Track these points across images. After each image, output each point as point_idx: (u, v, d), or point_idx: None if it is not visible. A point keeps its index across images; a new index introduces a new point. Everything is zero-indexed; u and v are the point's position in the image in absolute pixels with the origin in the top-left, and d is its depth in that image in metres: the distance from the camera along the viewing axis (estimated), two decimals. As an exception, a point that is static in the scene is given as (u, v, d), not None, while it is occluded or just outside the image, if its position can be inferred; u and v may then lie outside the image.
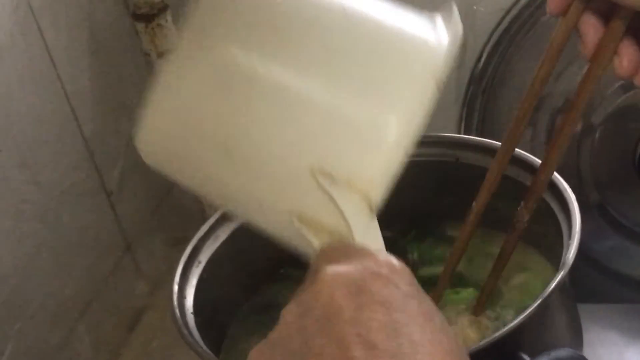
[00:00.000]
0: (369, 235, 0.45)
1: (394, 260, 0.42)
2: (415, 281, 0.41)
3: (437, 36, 0.47)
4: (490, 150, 0.70)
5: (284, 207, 0.46)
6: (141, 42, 0.92)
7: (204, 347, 0.59)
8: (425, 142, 0.73)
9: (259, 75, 0.45)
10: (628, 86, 0.85)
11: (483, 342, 0.54)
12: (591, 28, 0.56)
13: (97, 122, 0.87)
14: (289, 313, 0.41)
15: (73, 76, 0.84)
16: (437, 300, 0.66)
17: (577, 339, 0.63)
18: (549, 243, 0.67)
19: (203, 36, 0.47)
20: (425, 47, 0.47)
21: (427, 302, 0.41)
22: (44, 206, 0.80)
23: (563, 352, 0.52)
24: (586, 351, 0.63)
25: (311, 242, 0.45)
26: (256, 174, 0.46)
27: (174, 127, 0.49)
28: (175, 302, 0.63)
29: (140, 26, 0.91)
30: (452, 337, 0.39)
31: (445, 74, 0.46)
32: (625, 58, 0.56)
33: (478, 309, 0.66)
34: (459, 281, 0.70)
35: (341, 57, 0.46)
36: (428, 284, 0.70)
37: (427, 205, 0.74)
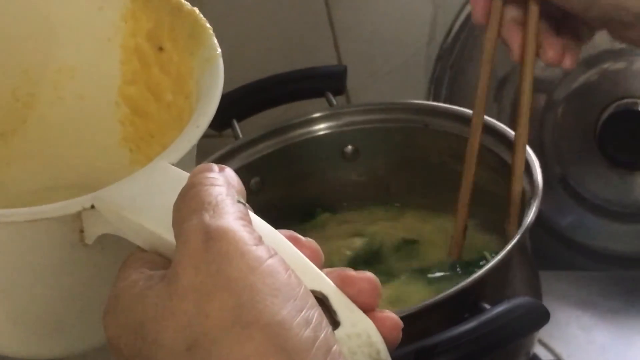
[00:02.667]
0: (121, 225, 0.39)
1: (115, 283, 0.35)
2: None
3: None
4: (458, 117, 0.73)
5: None
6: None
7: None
8: (394, 108, 0.76)
9: None
10: (590, 63, 0.88)
11: (447, 292, 0.57)
12: (512, 34, 0.62)
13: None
14: None
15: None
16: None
17: (536, 296, 0.65)
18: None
19: None
20: None
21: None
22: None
23: (523, 299, 0.54)
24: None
25: None
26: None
27: None
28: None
29: None
30: None
31: None
32: (548, 49, 0.61)
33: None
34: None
35: None
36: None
37: (397, 170, 0.77)
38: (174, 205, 0.34)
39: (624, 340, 0.78)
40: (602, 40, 0.86)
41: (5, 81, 0.51)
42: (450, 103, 0.86)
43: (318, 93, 0.80)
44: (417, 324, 0.55)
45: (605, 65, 0.87)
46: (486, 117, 0.69)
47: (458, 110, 0.74)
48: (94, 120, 0.52)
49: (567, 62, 0.62)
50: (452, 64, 0.92)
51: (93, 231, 0.39)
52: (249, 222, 0.34)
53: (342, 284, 0.34)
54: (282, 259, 0.33)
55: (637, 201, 0.89)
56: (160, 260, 0.35)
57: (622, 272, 0.88)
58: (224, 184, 0.34)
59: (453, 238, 0.69)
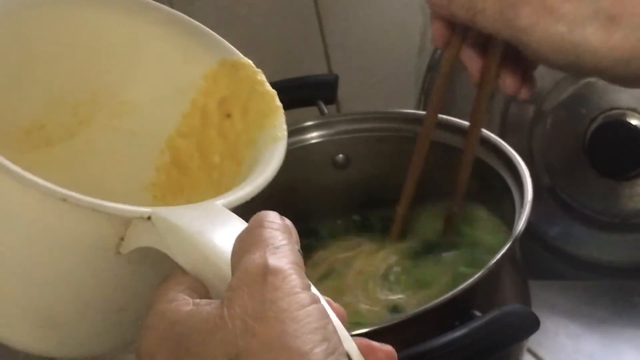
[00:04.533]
0: (164, 233, 0.40)
1: (156, 303, 0.38)
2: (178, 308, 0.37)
3: None
4: (447, 126, 0.73)
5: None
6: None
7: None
8: (385, 117, 0.77)
9: None
10: (580, 74, 0.89)
11: (438, 300, 0.57)
12: (472, 60, 0.64)
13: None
14: None
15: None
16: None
17: (525, 304, 0.66)
18: (502, 216, 0.70)
19: None
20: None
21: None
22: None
23: (513, 307, 0.54)
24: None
25: None
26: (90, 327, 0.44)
27: None
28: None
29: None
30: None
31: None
32: (506, 79, 0.62)
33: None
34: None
35: None
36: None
37: (387, 179, 0.77)
38: (239, 237, 0.38)
39: (612, 349, 0.79)
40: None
41: (73, 93, 0.51)
42: (440, 113, 0.87)
43: (309, 102, 0.81)
44: (408, 331, 0.55)
45: (594, 77, 0.88)
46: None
47: (448, 119, 0.74)
48: (134, 157, 0.53)
49: (523, 94, 0.63)
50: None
51: (134, 242, 0.40)
52: (302, 268, 0.37)
53: (365, 351, 0.38)
54: (325, 308, 0.36)
55: (625, 211, 0.90)
56: (201, 288, 0.38)
57: (611, 281, 0.89)
58: (285, 232, 0.38)
59: (394, 221, 0.72)
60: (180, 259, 0.39)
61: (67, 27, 0.49)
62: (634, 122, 0.87)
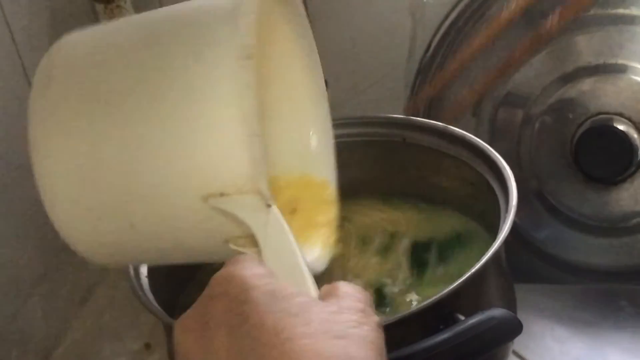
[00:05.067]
0: (272, 227, 0.45)
1: (229, 270, 0.42)
2: (257, 280, 0.41)
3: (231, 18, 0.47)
4: (436, 131, 0.74)
5: (213, 242, 0.47)
6: (100, 23, 0.94)
7: (157, 306, 0.62)
8: (373, 122, 0.77)
9: (114, 142, 0.47)
10: (566, 79, 0.90)
11: (423, 304, 0.58)
12: None
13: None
14: None
15: (33, 54, 0.86)
16: None
17: (511, 308, 0.66)
18: (489, 220, 0.71)
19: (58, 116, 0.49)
20: (220, 36, 0.47)
21: (274, 297, 0.41)
22: (1, 179, 0.82)
23: (497, 311, 0.55)
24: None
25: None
26: (171, 231, 0.48)
27: (78, 218, 0.50)
28: (131, 266, 0.65)
29: (100, 7, 0.92)
30: (314, 320, 0.40)
31: (249, 40, 0.46)
32: None
33: None
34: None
35: (161, 91, 0.47)
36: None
37: (375, 182, 0.78)
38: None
39: (598, 353, 0.79)
40: (577, 57, 0.88)
41: None
42: (429, 118, 0.88)
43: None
44: (393, 335, 0.55)
45: (581, 82, 0.89)
46: (464, 132, 0.71)
47: (436, 124, 0.75)
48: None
49: None
50: (431, 79, 0.94)
51: (231, 206, 0.45)
52: None
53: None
54: None
55: (612, 215, 0.91)
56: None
57: (597, 285, 0.89)
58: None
59: None
60: (268, 252, 0.43)
61: None
62: (621, 127, 0.87)
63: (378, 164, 0.77)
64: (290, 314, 0.39)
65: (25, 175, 0.85)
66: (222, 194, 0.45)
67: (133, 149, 0.47)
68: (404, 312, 0.58)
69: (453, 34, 0.91)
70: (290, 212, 0.53)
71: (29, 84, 0.85)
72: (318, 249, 0.52)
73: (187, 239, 0.48)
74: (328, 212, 0.55)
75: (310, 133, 0.59)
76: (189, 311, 0.42)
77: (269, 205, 0.45)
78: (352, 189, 0.78)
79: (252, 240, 0.46)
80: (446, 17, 0.91)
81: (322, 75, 0.59)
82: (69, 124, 0.49)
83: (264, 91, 0.52)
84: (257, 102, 0.45)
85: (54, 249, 0.89)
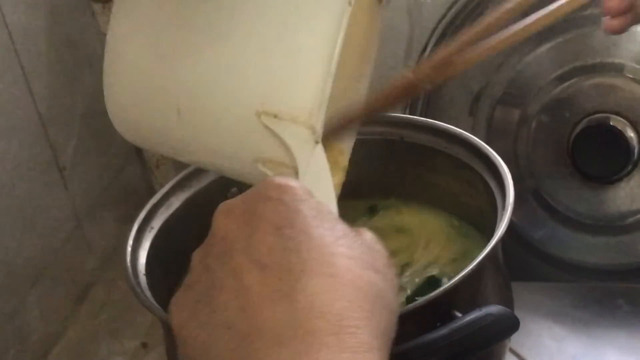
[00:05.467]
0: (314, 162, 0.48)
1: (284, 180, 0.43)
2: (307, 197, 0.43)
3: None
4: (433, 130, 0.74)
5: (244, 155, 0.50)
6: (98, 23, 0.94)
7: (156, 303, 0.62)
8: (371, 121, 0.77)
9: (194, 26, 0.49)
10: (563, 78, 0.90)
11: (420, 301, 0.58)
12: None
13: (52, 99, 0.89)
14: (196, 255, 0.44)
15: (30, 53, 0.86)
16: None
17: (508, 306, 0.66)
18: (486, 218, 0.71)
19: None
20: None
21: (321, 215, 0.43)
22: None
23: (494, 308, 0.55)
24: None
25: None
26: (211, 131, 0.50)
27: (131, 95, 0.52)
28: (129, 263, 0.65)
29: (98, 7, 0.93)
30: (355, 248, 0.42)
31: None
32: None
33: None
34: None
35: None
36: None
37: (374, 181, 0.78)
38: None
39: (595, 351, 0.79)
40: (575, 56, 0.88)
41: None
42: (426, 116, 0.88)
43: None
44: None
45: (578, 81, 0.89)
46: (461, 131, 0.71)
47: (433, 123, 0.75)
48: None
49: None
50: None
51: (281, 129, 0.48)
52: None
53: None
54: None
55: (609, 214, 0.91)
56: None
57: (594, 283, 0.90)
58: None
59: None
60: (306, 183, 0.45)
61: None
62: (617, 125, 0.88)
63: (376, 162, 0.77)
64: (334, 234, 0.42)
65: (23, 174, 0.86)
66: (276, 116, 0.48)
67: (214, 37, 0.49)
68: (400, 310, 0.58)
69: (450, 34, 0.91)
70: None
71: (27, 83, 0.85)
72: None
73: (221, 144, 0.50)
74: (337, 176, 0.57)
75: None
76: (234, 200, 0.43)
77: (317, 142, 0.48)
78: (349, 187, 0.79)
79: (282, 167, 0.49)
80: (443, 16, 0.91)
81: (371, 73, 0.64)
82: None
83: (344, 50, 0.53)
84: (341, 50, 0.48)
85: (50, 250, 0.89)
